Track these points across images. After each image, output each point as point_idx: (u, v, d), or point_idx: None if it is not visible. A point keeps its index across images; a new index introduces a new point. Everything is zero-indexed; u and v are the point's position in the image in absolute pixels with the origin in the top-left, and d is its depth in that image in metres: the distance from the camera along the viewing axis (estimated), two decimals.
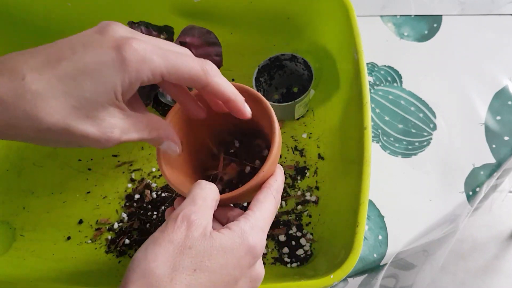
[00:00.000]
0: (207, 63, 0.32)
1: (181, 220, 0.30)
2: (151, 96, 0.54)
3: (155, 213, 0.54)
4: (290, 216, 0.53)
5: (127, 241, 0.53)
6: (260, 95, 0.38)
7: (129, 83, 0.29)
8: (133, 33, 0.31)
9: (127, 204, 0.56)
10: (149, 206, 0.55)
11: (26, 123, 0.27)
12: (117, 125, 0.30)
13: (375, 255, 0.49)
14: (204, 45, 0.55)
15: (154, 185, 0.57)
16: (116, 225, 0.54)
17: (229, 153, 0.45)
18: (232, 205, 0.38)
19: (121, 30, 0.30)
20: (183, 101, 0.38)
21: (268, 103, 0.38)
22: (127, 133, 0.31)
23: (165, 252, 0.28)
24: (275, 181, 0.36)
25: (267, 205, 0.34)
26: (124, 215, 0.55)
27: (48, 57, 0.28)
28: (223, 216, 0.35)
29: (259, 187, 0.35)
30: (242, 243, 0.30)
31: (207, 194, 0.32)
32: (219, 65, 0.56)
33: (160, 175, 0.58)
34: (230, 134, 0.45)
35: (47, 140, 0.29)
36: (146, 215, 0.54)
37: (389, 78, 0.62)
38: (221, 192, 0.36)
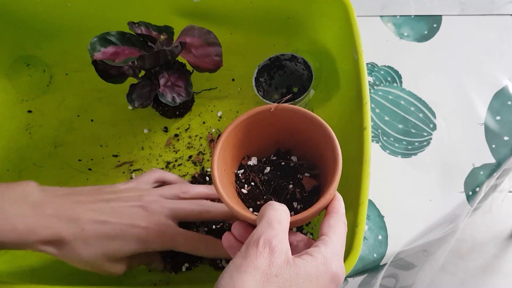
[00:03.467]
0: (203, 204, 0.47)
1: (263, 245, 0.29)
2: (151, 96, 0.54)
3: None
4: None
5: None
6: (320, 119, 0.40)
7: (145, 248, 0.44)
8: (164, 203, 0.45)
9: None
10: None
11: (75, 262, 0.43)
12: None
13: (375, 255, 0.49)
14: (204, 45, 0.55)
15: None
16: None
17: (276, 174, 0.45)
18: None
19: (155, 205, 0.45)
20: None
21: (327, 126, 0.39)
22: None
23: (253, 280, 0.28)
24: (341, 206, 0.36)
25: (339, 230, 0.34)
26: None
27: (101, 218, 0.42)
28: (291, 243, 0.34)
29: (322, 209, 0.36)
30: (326, 271, 0.30)
31: (282, 216, 0.32)
32: (219, 65, 0.56)
33: None
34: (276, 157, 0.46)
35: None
36: None
37: (389, 78, 0.62)
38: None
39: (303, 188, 0.42)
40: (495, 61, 0.62)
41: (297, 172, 0.43)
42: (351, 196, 0.45)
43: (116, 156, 0.60)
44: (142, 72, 0.56)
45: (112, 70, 0.53)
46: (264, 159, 0.45)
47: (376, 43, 0.64)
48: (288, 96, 0.45)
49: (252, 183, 0.42)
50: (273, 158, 0.45)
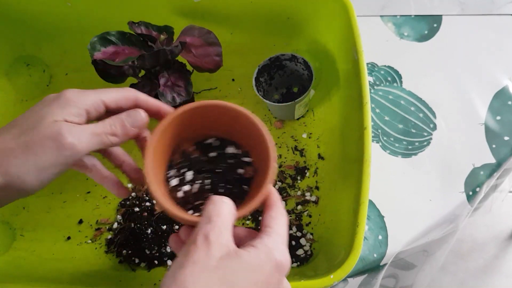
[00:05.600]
0: (131, 89, 0.38)
1: (201, 241, 0.30)
2: (151, 96, 0.54)
3: (155, 213, 0.54)
4: (290, 216, 0.53)
5: (124, 241, 0.53)
6: (253, 117, 0.39)
7: (76, 111, 0.34)
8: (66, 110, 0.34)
9: (127, 203, 0.56)
10: (148, 207, 0.55)
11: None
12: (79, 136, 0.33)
13: (375, 255, 0.49)
14: (204, 45, 0.55)
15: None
16: (115, 225, 0.54)
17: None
18: None
19: (56, 112, 0.33)
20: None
21: (261, 123, 0.39)
22: (88, 141, 0.34)
23: (192, 274, 0.28)
24: (278, 199, 0.36)
25: (281, 221, 0.34)
26: (124, 215, 0.55)
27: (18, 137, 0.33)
28: (234, 237, 0.34)
29: (261, 203, 0.36)
30: (269, 260, 0.30)
31: (221, 208, 0.32)
32: (219, 65, 0.56)
33: None
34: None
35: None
36: (146, 214, 0.54)
37: (389, 78, 0.62)
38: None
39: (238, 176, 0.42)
40: (495, 61, 0.62)
41: (234, 159, 0.43)
42: (351, 196, 0.45)
43: None
44: (142, 72, 0.56)
45: (112, 70, 0.53)
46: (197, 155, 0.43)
47: (376, 43, 0.64)
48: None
49: (186, 187, 0.41)
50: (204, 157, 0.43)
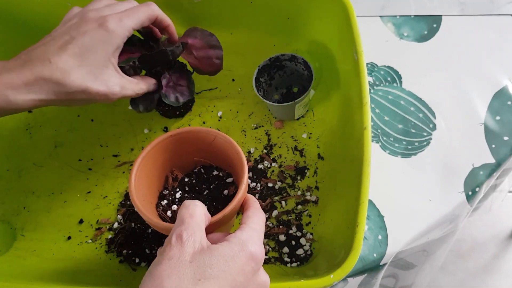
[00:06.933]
0: (152, 6, 0.49)
1: (175, 240, 0.32)
2: (155, 98, 0.54)
3: None
4: (290, 216, 0.53)
5: (124, 240, 0.53)
6: (228, 136, 0.45)
7: (117, 45, 0.45)
8: (100, 11, 0.46)
9: (128, 203, 0.56)
10: None
11: (59, 90, 0.42)
12: (116, 82, 0.46)
13: (375, 255, 0.49)
14: (206, 47, 0.55)
15: None
16: (116, 225, 0.54)
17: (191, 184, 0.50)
18: None
19: (93, 13, 0.46)
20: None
21: (232, 140, 0.45)
22: (124, 88, 0.47)
23: (167, 268, 0.30)
24: (255, 201, 0.40)
25: (257, 218, 0.37)
26: (125, 215, 0.55)
27: (59, 44, 0.44)
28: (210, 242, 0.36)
29: (237, 208, 0.40)
30: (242, 250, 0.32)
31: (193, 210, 0.34)
32: (219, 68, 0.56)
33: None
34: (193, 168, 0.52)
35: (74, 100, 0.44)
36: None
37: (389, 78, 0.62)
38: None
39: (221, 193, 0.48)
40: (495, 61, 0.62)
41: (218, 181, 0.49)
42: (351, 196, 0.45)
43: (116, 156, 0.60)
44: (143, 72, 0.56)
45: None
46: (187, 179, 0.50)
47: (376, 43, 0.64)
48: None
49: (174, 206, 0.47)
50: (193, 180, 0.50)
